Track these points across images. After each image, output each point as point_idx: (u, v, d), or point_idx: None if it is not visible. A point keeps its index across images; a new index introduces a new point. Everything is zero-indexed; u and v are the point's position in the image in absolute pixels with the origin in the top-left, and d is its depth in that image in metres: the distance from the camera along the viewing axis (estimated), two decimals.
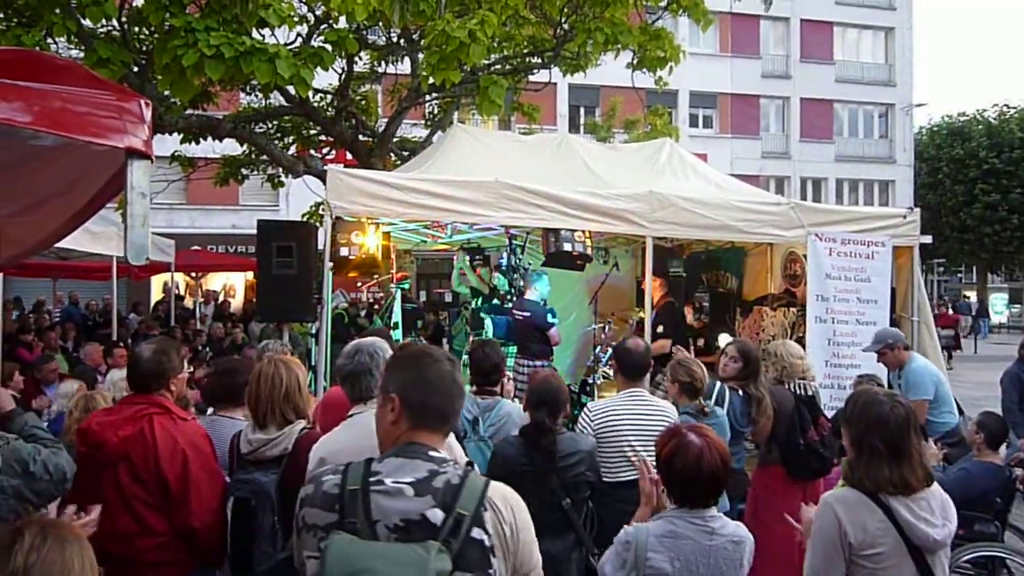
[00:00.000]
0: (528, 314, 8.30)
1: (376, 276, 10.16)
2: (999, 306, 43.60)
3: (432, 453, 2.10)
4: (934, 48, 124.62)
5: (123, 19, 9.22)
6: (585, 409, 4.70)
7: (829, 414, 7.47)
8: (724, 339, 8.44)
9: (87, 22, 8.36)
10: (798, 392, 5.44)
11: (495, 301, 9.54)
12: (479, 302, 9.83)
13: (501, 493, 2.12)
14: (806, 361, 5.62)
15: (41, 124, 1.88)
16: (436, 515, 1.98)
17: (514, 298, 9.18)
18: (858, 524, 2.84)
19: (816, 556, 2.94)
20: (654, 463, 3.08)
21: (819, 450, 5.34)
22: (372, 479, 2.02)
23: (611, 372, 8.28)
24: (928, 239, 8.45)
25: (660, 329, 8.12)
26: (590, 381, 8.99)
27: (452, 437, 2.62)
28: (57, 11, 8.04)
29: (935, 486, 2.96)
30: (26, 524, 1.75)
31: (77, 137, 1.93)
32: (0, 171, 2.64)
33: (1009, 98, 63.60)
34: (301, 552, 2.07)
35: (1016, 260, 38.91)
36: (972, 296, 41.62)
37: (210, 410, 4.74)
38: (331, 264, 6.63)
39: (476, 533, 1.99)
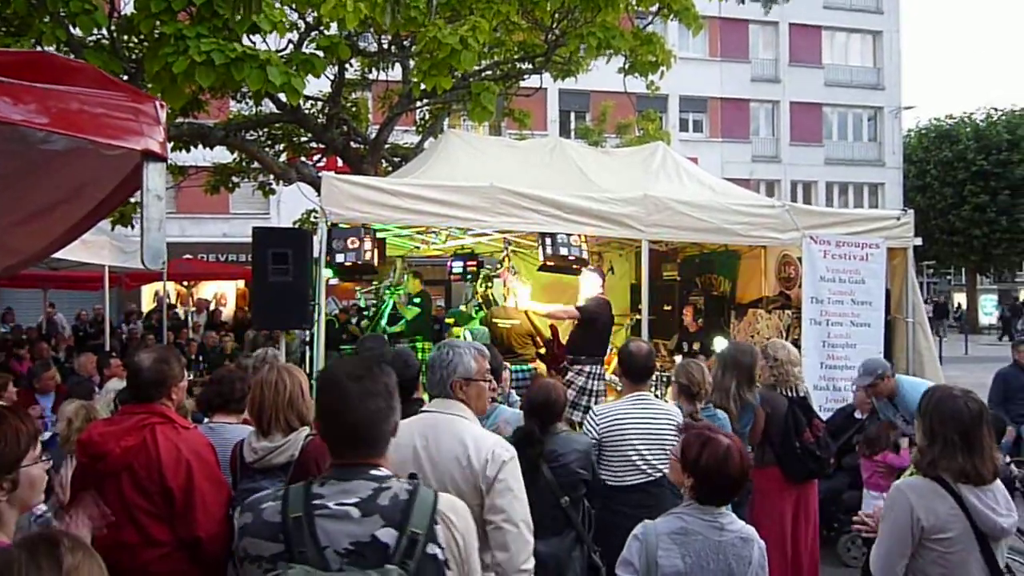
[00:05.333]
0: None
1: (372, 282, 10.17)
2: (988, 307, 43.74)
3: (373, 472, 2.04)
4: (922, 51, 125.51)
5: (112, 28, 9.16)
6: (590, 412, 4.67)
7: (825, 416, 7.52)
8: (719, 342, 8.44)
9: (77, 31, 8.31)
10: (790, 394, 5.43)
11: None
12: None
13: (451, 504, 2.10)
14: (799, 370, 5.62)
15: (58, 126, 1.82)
16: (387, 535, 1.94)
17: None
18: (930, 510, 3.01)
19: (886, 538, 3.11)
20: (666, 465, 3.09)
21: (815, 451, 5.35)
22: (315, 503, 1.97)
23: (608, 376, 8.28)
24: (918, 241, 8.48)
25: (580, 304, 7.83)
26: None
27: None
28: (47, 20, 7.99)
29: (998, 480, 3.14)
30: (54, 532, 1.73)
31: (94, 139, 1.87)
32: (7, 178, 2.58)
33: (996, 100, 63.97)
34: None
35: (1005, 262, 39.12)
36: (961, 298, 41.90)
37: (206, 419, 4.71)
38: (328, 271, 6.59)
39: (431, 549, 1.97)
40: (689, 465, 2.92)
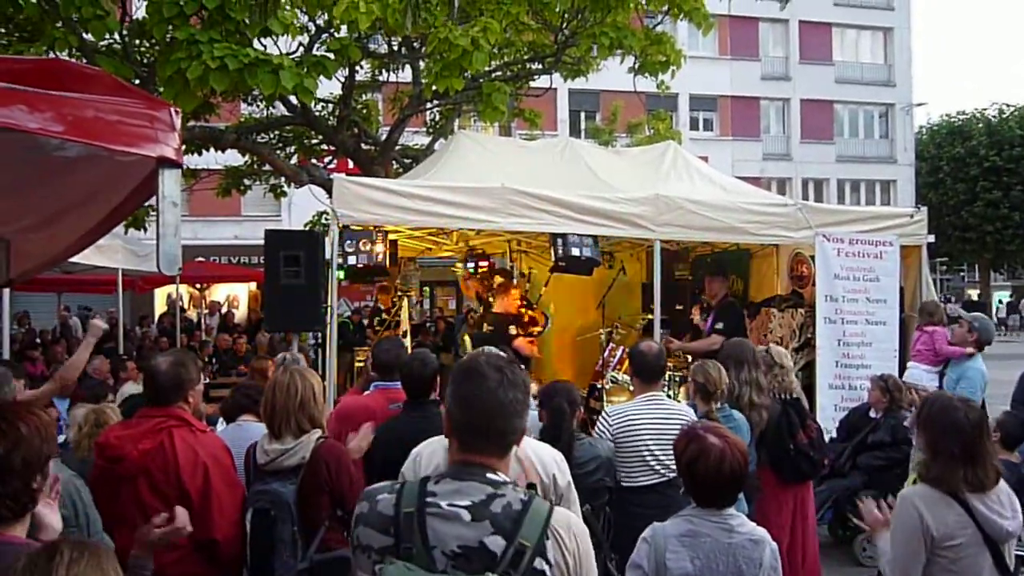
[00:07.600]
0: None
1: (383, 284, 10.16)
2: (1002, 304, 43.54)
3: (490, 475, 1.99)
4: (932, 47, 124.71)
5: (124, 32, 9.21)
6: (603, 413, 4.67)
7: (839, 415, 7.51)
8: None
9: (89, 36, 8.35)
10: (783, 396, 5.43)
11: None
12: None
13: (566, 521, 2.03)
14: (792, 376, 5.70)
15: (74, 134, 1.82)
16: (496, 543, 1.89)
17: None
18: (939, 518, 3.04)
19: (898, 548, 3.11)
20: (674, 464, 3.06)
21: (809, 453, 5.34)
22: (428, 500, 1.94)
23: (619, 376, 8.26)
24: (931, 239, 8.45)
25: (720, 326, 8.09)
26: (598, 386, 8.95)
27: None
28: (59, 25, 8.04)
29: (1002, 482, 3.16)
30: (61, 541, 1.74)
31: (110, 147, 1.87)
32: (21, 184, 2.59)
33: (1008, 96, 63.55)
34: (356, 571, 2.01)
35: (1018, 258, 38.85)
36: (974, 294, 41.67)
37: (220, 422, 4.73)
38: (340, 273, 6.61)
39: (538, 564, 1.90)
40: (683, 472, 2.89)
